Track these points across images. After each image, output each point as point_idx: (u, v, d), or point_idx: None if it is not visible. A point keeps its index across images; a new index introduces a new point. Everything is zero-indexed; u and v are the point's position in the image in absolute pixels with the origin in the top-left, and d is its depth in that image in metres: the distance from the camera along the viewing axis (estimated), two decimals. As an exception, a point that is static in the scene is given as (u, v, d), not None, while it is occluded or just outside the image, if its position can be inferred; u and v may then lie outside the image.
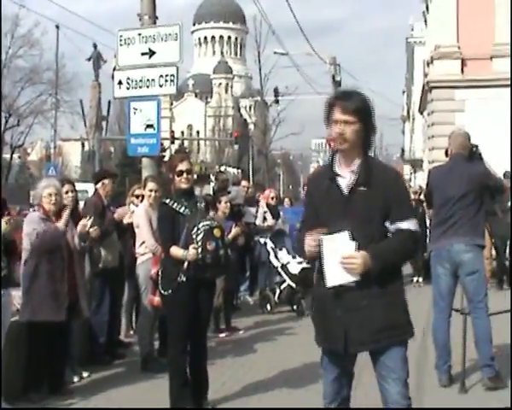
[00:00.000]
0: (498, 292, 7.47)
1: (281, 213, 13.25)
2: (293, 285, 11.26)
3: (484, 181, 6.77)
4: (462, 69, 28.33)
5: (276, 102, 51.46)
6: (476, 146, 7.02)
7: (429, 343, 7.37)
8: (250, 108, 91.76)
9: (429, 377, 7.03)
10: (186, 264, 5.96)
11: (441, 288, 6.99)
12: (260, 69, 54.89)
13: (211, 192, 15.79)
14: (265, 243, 11.81)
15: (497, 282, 13.00)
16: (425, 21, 39.81)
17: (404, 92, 75.96)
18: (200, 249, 5.88)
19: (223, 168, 47.72)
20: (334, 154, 4.22)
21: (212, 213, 7.56)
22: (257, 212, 12.44)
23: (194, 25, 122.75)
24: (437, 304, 7.07)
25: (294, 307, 11.27)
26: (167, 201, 6.24)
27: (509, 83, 26.21)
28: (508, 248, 12.89)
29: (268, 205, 12.62)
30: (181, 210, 6.12)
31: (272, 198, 12.84)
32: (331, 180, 4.10)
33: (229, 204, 10.16)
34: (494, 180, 6.94)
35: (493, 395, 6.43)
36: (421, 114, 42.02)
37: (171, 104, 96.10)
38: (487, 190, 6.88)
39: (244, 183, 14.13)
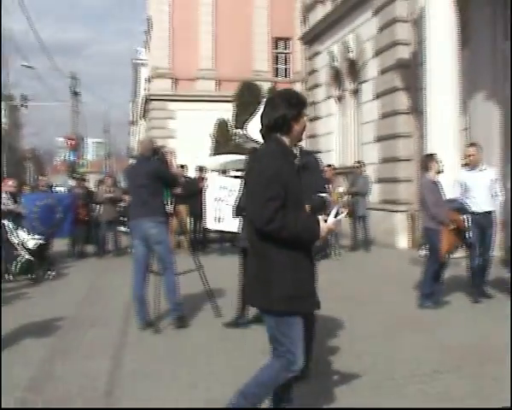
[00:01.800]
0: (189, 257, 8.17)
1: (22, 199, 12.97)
2: (31, 258, 11.28)
3: (156, 175, 7.16)
4: (174, 86, 30.01)
5: (23, 106, 50.21)
6: (159, 148, 7.56)
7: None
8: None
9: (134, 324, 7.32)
10: None
11: (137, 255, 7.31)
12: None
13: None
14: (6, 224, 11.41)
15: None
16: (147, 48, 41.23)
17: (131, 102, 77.02)
18: None
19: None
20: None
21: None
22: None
23: None
24: (135, 268, 7.34)
25: (32, 275, 11.20)
26: None
27: (210, 98, 28.55)
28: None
29: (10, 192, 12.49)
30: None
31: (12, 186, 12.32)
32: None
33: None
34: (165, 175, 7.29)
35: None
36: (144, 119, 43.21)
37: None
38: (161, 182, 7.25)
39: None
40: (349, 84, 19.45)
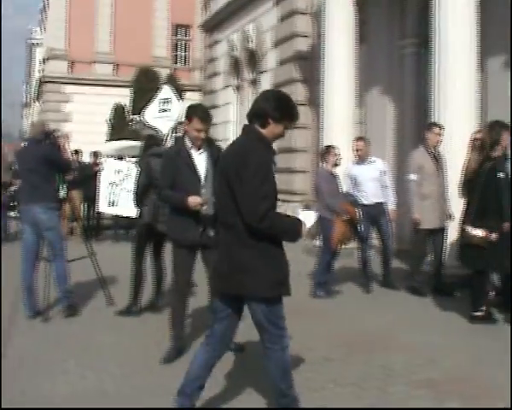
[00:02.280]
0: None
1: None
2: None
3: (47, 159, 6.84)
4: (70, 69, 29.06)
5: None
6: (52, 132, 7.17)
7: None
8: None
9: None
10: None
11: (26, 242, 6.99)
12: None
13: None
14: None
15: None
16: (42, 27, 39.69)
17: (25, 83, 74.23)
18: None
19: None
20: None
21: None
22: None
23: None
24: (24, 255, 7.01)
25: None
26: None
27: (107, 83, 27.83)
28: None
29: None
30: None
31: None
32: None
33: None
34: (56, 159, 6.98)
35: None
36: (38, 102, 41.74)
37: None
38: (53, 166, 6.94)
39: None
40: (248, 74, 19.44)
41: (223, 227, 3.84)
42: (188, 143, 5.46)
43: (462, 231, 6.71)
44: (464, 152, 8.09)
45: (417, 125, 11.78)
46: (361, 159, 8.64)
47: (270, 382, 3.99)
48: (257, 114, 3.80)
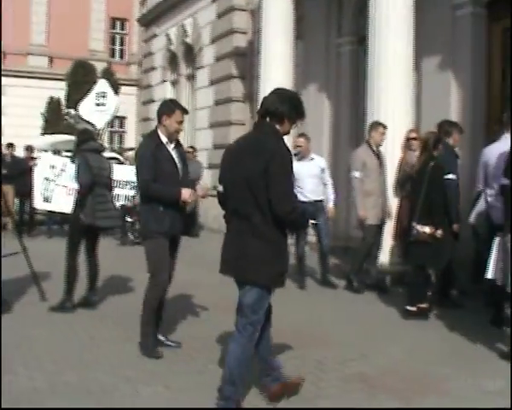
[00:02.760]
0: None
1: None
2: None
3: None
4: (2, 60, 28.11)
5: None
6: None
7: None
8: None
9: None
10: None
11: None
12: None
13: None
14: None
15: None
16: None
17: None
18: None
19: None
20: None
21: None
22: None
23: None
24: None
25: None
26: None
27: (42, 76, 27.22)
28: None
29: None
30: None
31: None
32: None
33: None
34: None
35: None
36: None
37: None
38: None
39: None
40: (185, 69, 19.32)
41: (236, 216, 4.03)
42: (163, 137, 5.47)
43: (410, 228, 6.79)
44: (399, 151, 8.28)
45: (353, 123, 11.93)
46: (301, 155, 8.63)
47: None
48: (275, 114, 4.01)
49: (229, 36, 15.83)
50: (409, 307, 6.83)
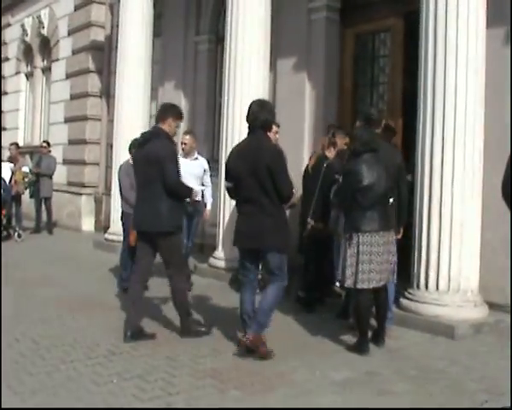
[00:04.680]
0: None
1: None
2: None
3: None
4: None
5: None
6: None
7: None
8: None
9: None
10: None
11: None
12: None
13: None
14: None
15: None
16: None
17: None
18: None
19: None
20: None
21: None
22: None
23: None
24: None
25: None
26: None
27: None
28: None
29: None
30: None
31: None
32: None
33: None
34: None
35: None
36: None
37: None
38: None
39: None
40: (40, 62, 18.39)
41: (248, 202, 5.27)
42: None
43: (305, 224, 7.05)
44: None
45: (209, 121, 11.91)
46: (186, 153, 8.28)
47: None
48: (265, 124, 5.37)
49: (86, 29, 15.26)
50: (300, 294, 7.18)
